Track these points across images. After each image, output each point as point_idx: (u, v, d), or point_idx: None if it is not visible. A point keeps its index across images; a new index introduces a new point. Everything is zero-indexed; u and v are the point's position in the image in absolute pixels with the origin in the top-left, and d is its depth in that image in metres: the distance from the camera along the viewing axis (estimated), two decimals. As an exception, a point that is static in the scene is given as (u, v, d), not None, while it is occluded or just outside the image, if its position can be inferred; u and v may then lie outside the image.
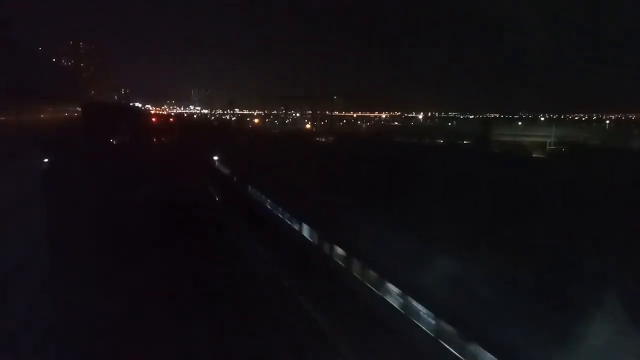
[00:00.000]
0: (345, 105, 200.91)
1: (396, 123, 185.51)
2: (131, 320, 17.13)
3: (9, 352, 15.45)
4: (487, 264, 15.94)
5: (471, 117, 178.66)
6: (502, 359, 11.61)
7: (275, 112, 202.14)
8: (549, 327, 11.78)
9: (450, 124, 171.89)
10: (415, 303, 15.25)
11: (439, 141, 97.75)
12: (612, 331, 10.94)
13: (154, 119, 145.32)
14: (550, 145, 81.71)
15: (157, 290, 19.80)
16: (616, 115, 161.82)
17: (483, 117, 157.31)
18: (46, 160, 50.36)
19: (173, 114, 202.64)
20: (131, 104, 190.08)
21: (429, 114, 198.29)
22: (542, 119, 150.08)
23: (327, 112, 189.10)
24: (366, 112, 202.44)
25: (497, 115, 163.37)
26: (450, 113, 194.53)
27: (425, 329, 14.71)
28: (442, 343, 13.78)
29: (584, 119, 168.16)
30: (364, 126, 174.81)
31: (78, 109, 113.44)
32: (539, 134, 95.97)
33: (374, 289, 18.06)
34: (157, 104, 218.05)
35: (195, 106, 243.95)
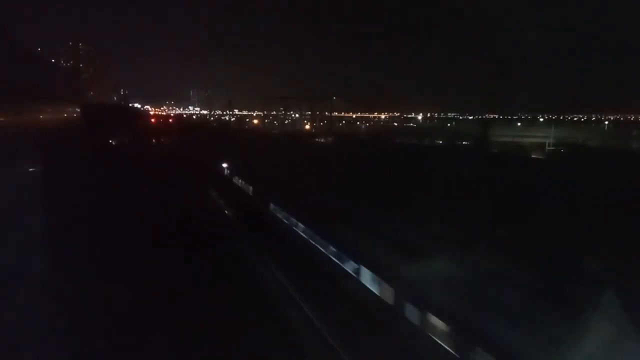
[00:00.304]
0: (345, 105, 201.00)
1: (395, 123, 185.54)
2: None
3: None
4: (477, 261, 16.07)
5: (470, 117, 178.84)
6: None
7: (275, 112, 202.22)
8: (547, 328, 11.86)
9: (449, 125, 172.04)
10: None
11: (438, 142, 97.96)
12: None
13: (152, 120, 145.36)
14: (549, 146, 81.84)
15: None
16: (615, 116, 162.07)
17: (482, 118, 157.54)
18: (31, 169, 46.08)
19: (172, 115, 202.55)
20: (130, 105, 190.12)
21: (428, 115, 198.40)
22: (541, 119, 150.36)
23: (326, 113, 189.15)
24: (365, 112, 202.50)
25: (496, 116, 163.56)
26: (449, 113, 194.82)
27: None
28: None
29: (582, 119, 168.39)
30: (363, 127, 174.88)
31: (77, 109, 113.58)
32: (537, 134, 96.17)
33: None
34: (156, 104, 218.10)
35: (194, 107, 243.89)
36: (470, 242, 17.46)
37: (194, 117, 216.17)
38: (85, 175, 44.93)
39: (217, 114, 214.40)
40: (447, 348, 13.39)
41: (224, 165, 50.75)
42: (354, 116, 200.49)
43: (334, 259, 21.58)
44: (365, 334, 15.95)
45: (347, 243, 20.96)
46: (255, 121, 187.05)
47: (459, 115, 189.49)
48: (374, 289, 17.71)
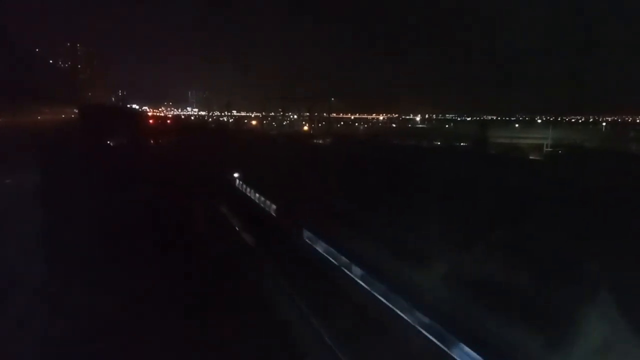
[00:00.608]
0: (343, 106, 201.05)
1: (393, 125, 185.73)
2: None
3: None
4: (475, 264, 16.15)
5: (468, 118, 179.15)
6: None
7: (273, 113, 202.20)
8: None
9: (447, 126, 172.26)
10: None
11: (436, 143, 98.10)
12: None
13: (151, 121, 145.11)
14: (547, 147, 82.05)
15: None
16: (612, 117, 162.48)
17: (480, 119, 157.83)
18: (8, 181, 43.21)
19: (170, 116, 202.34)
20: (128, 106, 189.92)
21: (426, 116, 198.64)
22: (539, 120, 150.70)
23: (325, 114, 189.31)
24: (363, 113, 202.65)
25: (494, 117, 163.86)
26: (447, 115, 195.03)
27: None
28: None
29: (580, 120, 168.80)
30: (361, 128, 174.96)
31: (75, 110, 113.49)
32: (535, 135, 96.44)
33: None
34: (154, 105, 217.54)
35: (193, 108, 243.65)
36: (487, 249, 17.55)
37: (192, 118, 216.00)
38: (79, 183, 41.96)
39: (215, 115, 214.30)
40: None
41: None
42: (352, 117, 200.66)
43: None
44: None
45: None
46: (254, 122, 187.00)
47: (457, 117, 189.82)
48: None
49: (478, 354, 12.52)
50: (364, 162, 45.90)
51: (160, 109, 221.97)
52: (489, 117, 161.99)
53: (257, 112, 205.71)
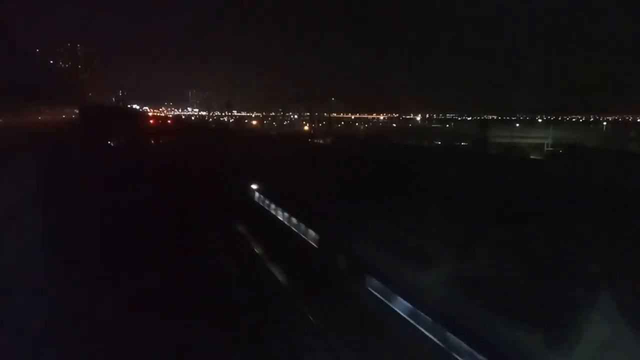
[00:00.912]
0: (343, 106, 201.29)
1: (394, 124, 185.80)
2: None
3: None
4: (474, 264, 16.12)
5: (468, 118, 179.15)
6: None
7: (273, 113, 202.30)
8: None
9: (447, 126, 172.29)
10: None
11: (437, 142, 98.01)
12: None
13: (151, 121, 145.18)
14: (547, 147, 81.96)
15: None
16: (613, 117, 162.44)
17: (480, 119, 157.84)
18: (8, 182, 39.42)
19: (170, 116, 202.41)
20: (129, 106, 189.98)
21: (427, 116, 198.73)
22: (539, 120, 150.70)
23: (325, 114, 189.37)
24: (364, 113, 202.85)
25: (495, 117, 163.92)
26: (447, 114, 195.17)
27: None
28: None
29: (581, 120, 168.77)
30: (362, 128, 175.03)
31: (75, 110, 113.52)
32: (536, 135, 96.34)
33: None
34: (154, 105, 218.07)
35: (193, 108, 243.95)
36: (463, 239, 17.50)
37: (193, 118, 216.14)
38: (77, 187, 40.88)
39: (215, 115, 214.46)
40: None
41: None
42: (352, 117, 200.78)
43: None
44: None
45: None
46: (254, 122, 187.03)
47: (458, 116, 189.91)
48: None
49: None
50: (381, 167, 41.89)
51: (160, 109, 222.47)
52: (490, 117, 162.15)
53: (257, 112, 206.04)
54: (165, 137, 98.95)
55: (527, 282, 15.18)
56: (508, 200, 24.88)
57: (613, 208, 21.06)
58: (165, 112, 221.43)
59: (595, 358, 11.19)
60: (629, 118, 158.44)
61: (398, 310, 15.73)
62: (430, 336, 14.06)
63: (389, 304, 16.33)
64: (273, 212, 32.35)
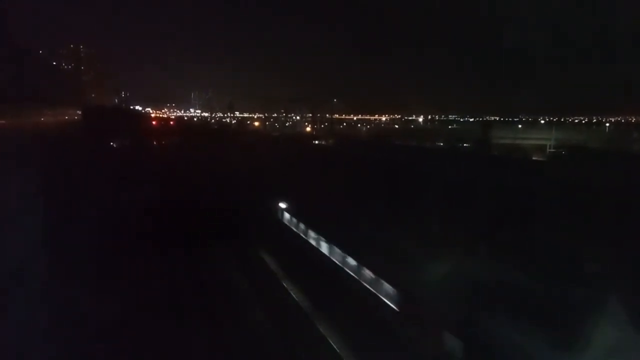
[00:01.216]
0: (345, 107, 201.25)
1: (396, 126, 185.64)
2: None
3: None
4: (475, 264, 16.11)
5: (471, 119, 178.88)
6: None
7: (275, 114, 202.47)
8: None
9: (450, 127, 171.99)
10: None
11: (439, 144, 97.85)
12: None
13: (154, 122, 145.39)
14: (550, 148, 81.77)
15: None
16: (616, 118, 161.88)
17: (483, 120, 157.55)
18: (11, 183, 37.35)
19: (173, 117, 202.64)
20: (131, 107, 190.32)
21: (429, 117, 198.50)
22: (542, 121, 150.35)
23: (327, 115, 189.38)
24: (366, 114, 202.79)
25: (497, 118, 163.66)
26: (450, 115, 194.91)
27: None
28: None
29: (583, 121, 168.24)
30: (364, 129, 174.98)
31: (78, 112, 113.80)
32: (538, 136, 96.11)
33: None
34: (157, 107, 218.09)
35: (196, 109, 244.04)
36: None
37: (195, 119, 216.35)
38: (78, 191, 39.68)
39: (218, 117, 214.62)
40: None
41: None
42: (354, 118, 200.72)
43: None
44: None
45: None
46: (256, 123, 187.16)
47: (460, 117, 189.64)
48: None
49: None
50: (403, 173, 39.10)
51: (163, 111, 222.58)
52: (492, 118, 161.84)
53: (259, 113, 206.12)
54: (167, 138, 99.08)
55: (527, 280, 15.29)
56: (510, 202, 24.86)
57: (615, 209, 21.00)
58: (167, 113, 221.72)
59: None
60: (632, 119, 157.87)
61: None
62: None
63: None
64: (309, 240, 26.53)
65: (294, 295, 20.85)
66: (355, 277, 20.15)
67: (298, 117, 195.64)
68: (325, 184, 34.89)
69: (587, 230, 19.27)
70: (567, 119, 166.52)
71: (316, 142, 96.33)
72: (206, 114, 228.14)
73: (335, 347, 16.20)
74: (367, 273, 19.18)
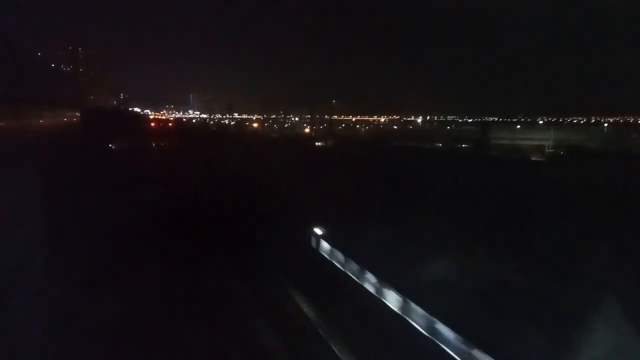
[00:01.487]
0: (344, 109, 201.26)
1: (395, 127, 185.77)
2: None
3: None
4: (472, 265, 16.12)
5: (469, 120, 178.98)
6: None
7: (274, 116, 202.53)
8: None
9: (448, 127, 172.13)
10: None
11: (438, 144, 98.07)
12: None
13: (152, 124, 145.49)
14: (548, 148, 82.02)
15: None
16: (614, 118, 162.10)
17: (481, 121, 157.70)
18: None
19: (172, 119, 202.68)
20: (130, 109, 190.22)
21: (427, 118, 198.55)
22: (540, 122, 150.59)
23: (326, 116, 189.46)
24: (364, 115, 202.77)
25: (495, 119, 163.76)
26: (448, 116, 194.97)
27: None
28: None
29: (582, 121, 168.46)
30: (363, 130, 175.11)
31: (77, 114, 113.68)
32: (537, 137, 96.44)
33: None
34: (156, 108, 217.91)
35: (194, 111, 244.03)
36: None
37: (194, 121, 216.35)
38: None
39: (216, 118, 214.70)
40: None
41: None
42: (353, 119, 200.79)
43: None
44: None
45: None
46: (255, 125, 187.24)
47: (458, 118, 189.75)
48: None
49: None
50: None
51: (162, 112, 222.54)
52: (490, 119, 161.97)
53: (258, 114, 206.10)
54: (166, 140, 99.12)
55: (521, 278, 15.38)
56: (509, 203, 24.91)
57: (614, 209, 21.05)
58: (166, 115, 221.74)
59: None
60: (630, 119, 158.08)
61: None
62: None
63: None
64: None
65: None
66: None
67: (297, 118, 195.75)
68: (342, 194, 30.82)
69: (586, 230, 19.31)
70: (566, 119, 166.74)
71: (318, 143, 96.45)
72: (205, 116, 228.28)
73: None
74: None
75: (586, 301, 12.93)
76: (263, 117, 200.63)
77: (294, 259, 22.36)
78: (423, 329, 14.31)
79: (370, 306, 17.23)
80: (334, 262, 21.38)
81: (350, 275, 19.49)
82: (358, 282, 18.78)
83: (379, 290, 17.31)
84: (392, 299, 16.30)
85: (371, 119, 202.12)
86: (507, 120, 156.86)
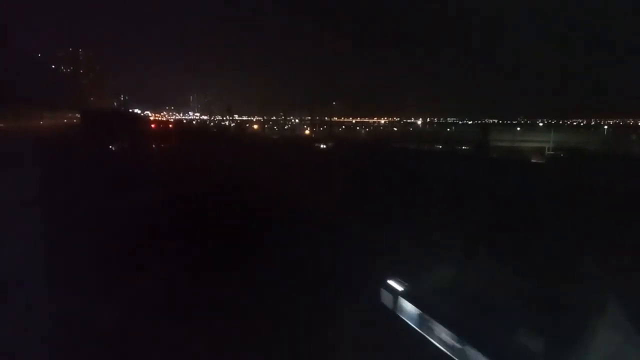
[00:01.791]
0: (344, 110, 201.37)
1: (395, 128, 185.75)
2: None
3: None
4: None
5: (469, 122, 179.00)
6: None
7: (274, 117, 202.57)
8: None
9: (448, 130, 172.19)
10: None
11: (438, 146, 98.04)
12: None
13: (152, 125, 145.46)
14: (548, 150, 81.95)
15: None
16: (614, 120, 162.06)
17: (481, 123, 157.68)
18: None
19: (172, 120, 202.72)
20: (130, 110, 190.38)
21: (428, 120, 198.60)
22: (540, 124, 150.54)
23: (326, 118, 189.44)
24: (365, 117, 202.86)
25: (495, 121, 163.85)
26: (448, 118, 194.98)
27: None
28: None
29: (582, 123, 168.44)
30: (363, 132, 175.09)
31: (77, 115, 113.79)
32: (537, 139, 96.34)
33: None
34: (156, 110, 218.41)
35: (194, 112, 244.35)
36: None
37: (194, 122, 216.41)
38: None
39: (217, 120, 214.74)
40: None
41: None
42: (353, 121, 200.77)
43: None
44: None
45: None
46: (255, 126, 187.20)
47: (459, 120, 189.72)
48: None
49: None
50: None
51: (162, 114, 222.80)
52: (491, 121, 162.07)
53: (258, 116, 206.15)
54: (166, 141, 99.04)
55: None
56: (510, 205, 24.85)
57: (613, 210, 21.01)
58: (166, 116, 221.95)
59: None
60: (630, 122, 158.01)
61: None
62: None
63: None
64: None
65: None
66: None
67: (297, 120, 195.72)
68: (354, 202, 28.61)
69: (584, 230, 19.28)
70: (566, 121, 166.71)
71: (323, 146, 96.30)
72: (205, 117, 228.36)
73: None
74: None
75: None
76: (263, 119, 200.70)
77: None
78: None
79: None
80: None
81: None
82: None
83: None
84: None
85: (371, 120, 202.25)
86: (507, 122, 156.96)
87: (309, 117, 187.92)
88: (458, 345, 12.69)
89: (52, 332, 16.72)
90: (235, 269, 20.27)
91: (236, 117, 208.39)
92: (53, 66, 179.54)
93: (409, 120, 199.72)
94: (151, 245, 24.75)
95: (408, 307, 14.68)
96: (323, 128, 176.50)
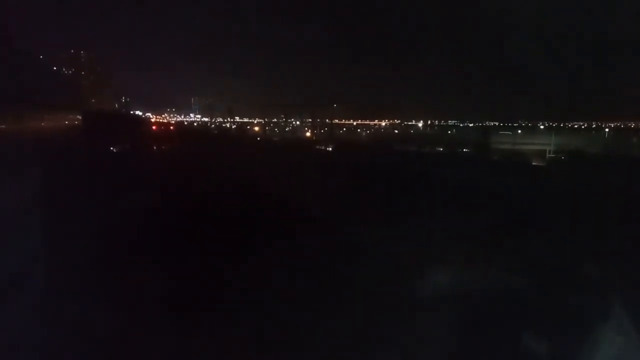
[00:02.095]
0: (345, 112, 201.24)
1: (396, 131, 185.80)
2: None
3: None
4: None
5: (470, 125, 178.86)
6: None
7: (275, 119, 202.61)
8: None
9: (449, 132, 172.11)
10: None
11: (439, 149, 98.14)
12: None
13: (154, 127, 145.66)
14: (549, 153, 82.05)
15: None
16: (615, 123, 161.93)
17: (482, 125, 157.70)
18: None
19: (173, 122, 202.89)
20: (132, 112, 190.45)
21: (429, 122, 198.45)
22: (542, 127, 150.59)
23: (327, 120, 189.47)
24: (366, 119, 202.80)
25: (496, 123, 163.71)
26: (449, 121, 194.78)
27: None
28: None
29: (583, 126, 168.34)
30: (364, 134, 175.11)
31: (78, 116, 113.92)
32: (538, 141, 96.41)
33: None
34: (157, 111, 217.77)
35: (196, 114, 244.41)
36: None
37: (195, 124, 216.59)
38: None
39: (218, 121, 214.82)
40: None
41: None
42: (354, 123, 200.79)
43: None
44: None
45: None
46: (256, 128, 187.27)
47: (459, 123, 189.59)
48: None
49: None
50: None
51: (163, 116, 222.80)
52: (492, 123, 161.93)
53: (259, 118, 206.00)
54: (168, 143, 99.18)
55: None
56: (511, 208, 24.86)
57: (615, 213, 21.02)
58: (168, 118, 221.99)
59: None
60: (631, 125, 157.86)
61: None
62: None
63: None
64: None
65: None
66: None
67: (298, 122, 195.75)
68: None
69: (585, 233, 19.29)
70: (567, 124, 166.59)
71: (324, 148, 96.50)
72: (206, 119, 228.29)
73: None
74: None
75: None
76: (264, 121, 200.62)
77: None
78: None
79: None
80: None
81: None
82: None
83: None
84: None
85: (372, 123, 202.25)
86: (508, 125, 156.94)
87: (310, 120, 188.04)
88: None
89: (52, 333, 16.67)
90: (235, 270, 18.76)
91: (237, 119, 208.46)
92: (54, 67, 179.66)
93: (409, 123, 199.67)
94: (156, 243, 23.74)
95: None
96: (324, 130, 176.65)
